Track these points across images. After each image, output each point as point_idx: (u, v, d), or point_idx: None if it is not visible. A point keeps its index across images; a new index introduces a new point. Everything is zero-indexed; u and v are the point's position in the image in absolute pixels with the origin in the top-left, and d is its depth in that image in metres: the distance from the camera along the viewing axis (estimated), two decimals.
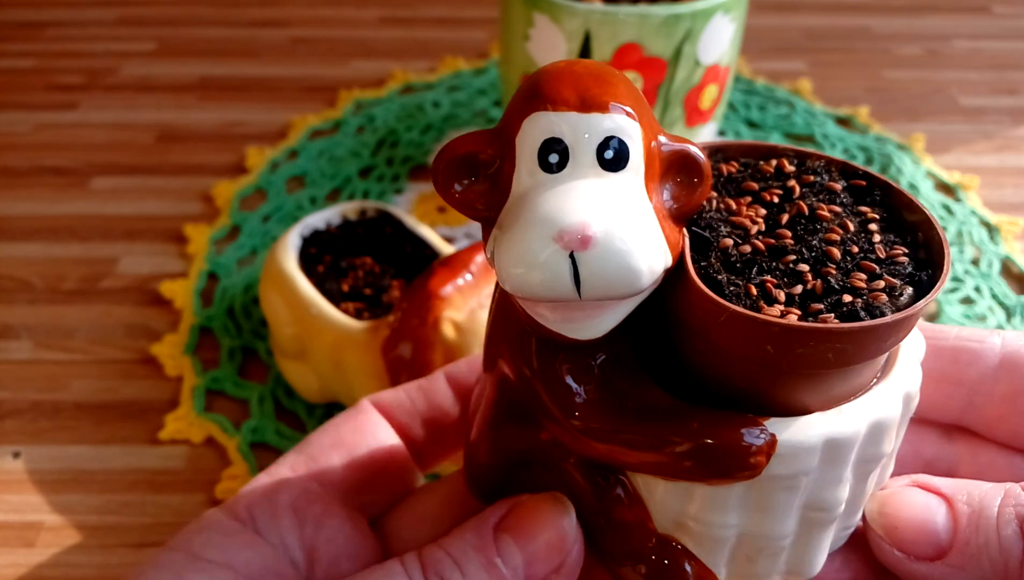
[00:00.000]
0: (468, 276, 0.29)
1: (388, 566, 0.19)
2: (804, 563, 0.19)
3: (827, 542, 0.19)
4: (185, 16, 0.63)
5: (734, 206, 0.18)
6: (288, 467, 0.21)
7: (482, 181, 0.17)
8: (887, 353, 0.17)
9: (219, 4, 0.64)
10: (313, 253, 0.36)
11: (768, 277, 0.16)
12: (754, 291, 0.16)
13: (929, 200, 0.46)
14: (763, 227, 0.17)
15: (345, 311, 0.33)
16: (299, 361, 0.34)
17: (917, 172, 0.48)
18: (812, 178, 0.18)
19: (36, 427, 0.35)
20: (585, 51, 0.36)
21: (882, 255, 0.17)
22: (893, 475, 0.20)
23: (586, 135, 0.16)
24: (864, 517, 0.20)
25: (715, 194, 0.18)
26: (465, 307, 0.29)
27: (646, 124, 0.16)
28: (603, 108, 0.16)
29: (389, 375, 0.30)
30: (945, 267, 0.16)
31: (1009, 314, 0.39)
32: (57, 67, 0.58)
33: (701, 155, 0.17)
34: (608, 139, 0.16)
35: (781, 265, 0.17)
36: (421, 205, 0.46)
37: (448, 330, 0.29)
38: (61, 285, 0.42)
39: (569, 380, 0.17)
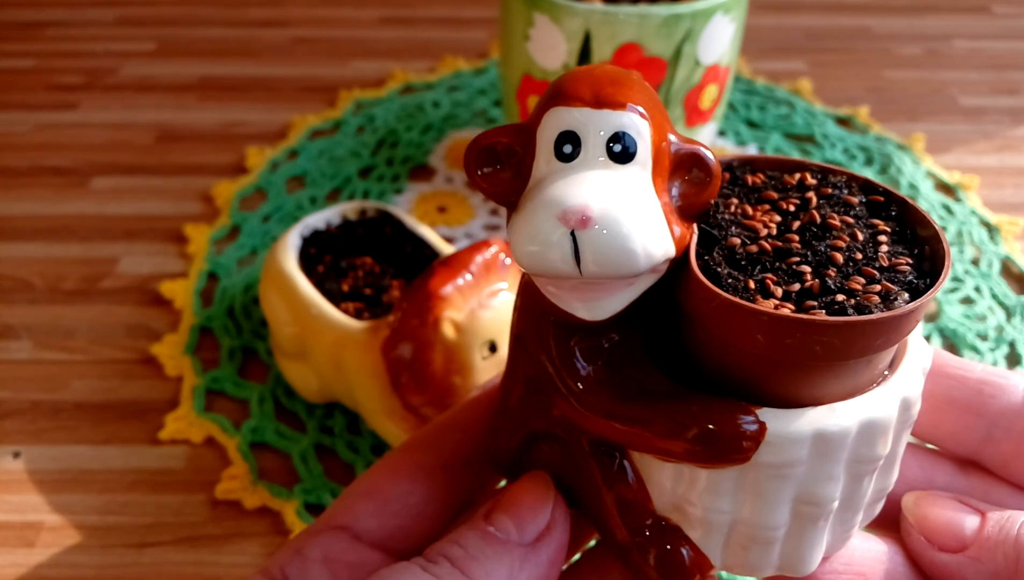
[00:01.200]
0: (468, 276, 0.29)
1: (398, 565, 0.19)
2: (798, 559, 0.19)
3: (821, 540, 0.19)
4: (185, 16, 0.63)
5: (750, 211, 0.19)
6: (323, 521, 0.22)
7: (507, 169, 0.18)
8: (880, 354, 0.18)
9: (219, 4, 0.64)
10: (313, 253, 0.36)
11: (769, 275, 0.17)
12: (752, 285, 0.17)
13: (929, 200, 0.46)
14: (774, 231, 0.18)
15: (345, 311, 0.33)
16: (299, 361, 0.34)
17: (917, 172, 0.48)
18: (830, 191, 0.19)
19: (36, 427, 0.35)
20: (585, 51, 0.36)
21: (885, 263, 0.18)
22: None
23: (599, 129, 0.17)
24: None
25: (736, 201, 0.19)
26: (465, 307, 0.29)
27: (657, 124, 0.18)
28: (615, 106, 0.17)
29: (389, 375, 0.30)
30: (943, 276, 0.17)
31: (1009, 314, 0.39)
32: (57, 67, 0.58)
33: (710, 155, 0.18)
34: (618, 134, 0.17)
35: (784, 265, 0.18)
36: (421, 205, 0.46)
37: (448, 330, 0.29)
38: (61, 285, 0.42)
39: (579, 359, 0.19)
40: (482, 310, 0.29)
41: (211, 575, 0.30)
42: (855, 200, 0.19)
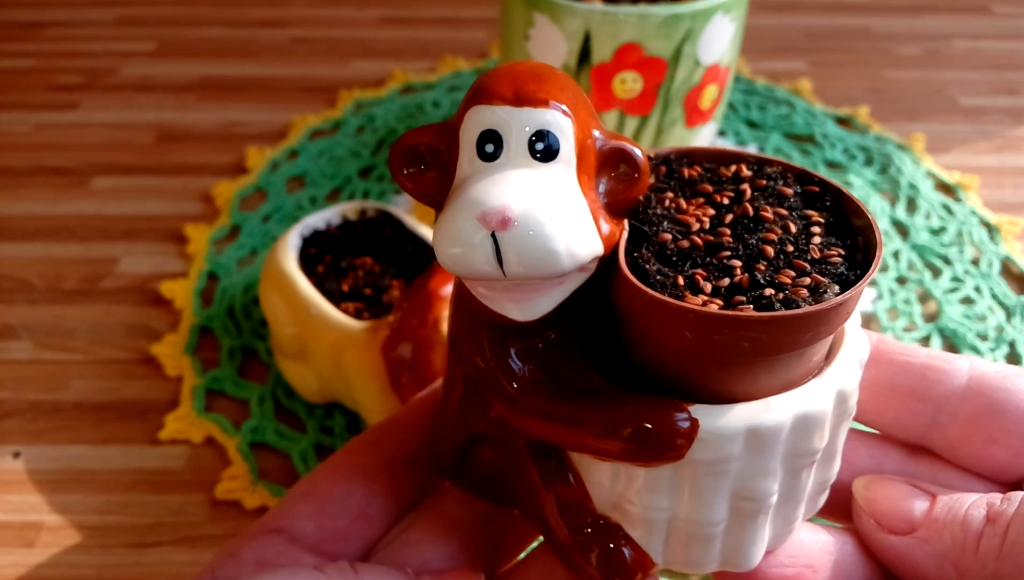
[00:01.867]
0: None
1: (292, 567, 0.19)
2: (739, 554, 0.19)
3: (762, 534, 0.19)
4: (185, 16, 0.63)
5: (684, 205, 0.19)
6: (261, 524, 0.21)
7: (432, 168, 0.18)
8: (813, 347, 0.18)
9: (219, 4, 0.64)
10: (313, 253, 0.36)
11: (699, 270, 0.17)
12: (682, 282, 0.17)
13: (929, 200, 0.46)
14: (707, 226, 0.18)
15: (345, 311, 0.33)
16: (299, 361, 0.34)
17: (917, 172, 0.48)
18: (765, 182, 0.19)
19: (36, 427, 0.35)
20: (585, 51, 0.36)
21: (816, 255, 0.18)
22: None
23: (520, 127, 0.17)
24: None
25: (671, 194, 0.19)
26: None
27: (581, 121, 0.17)
28: (536, 103, 0.17)
29: (389, 375, 0.30)
30: (873, 267, 0.17)
31: (1009, 314, 0.39)
32: (57, 67, 0.58)
33: (637, 151, 0.18)
34: (540, 132, 0.17)
35: (715, 260, 0.17)
36: (421, 205, 0.46)
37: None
38: (61, 285, 0.42)
39: (513, 360, 0.19)
40: None
41: None
42: (789, 191, 0.19)
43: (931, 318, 0.39)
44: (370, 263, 0.36)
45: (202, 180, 0.48)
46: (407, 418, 0.23)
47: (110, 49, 0.59)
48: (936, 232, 0.44)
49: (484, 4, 0.64)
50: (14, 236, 0.44)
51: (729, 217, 0.18)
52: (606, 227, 0.17)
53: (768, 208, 0.18)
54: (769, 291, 0.17)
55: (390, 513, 0.22)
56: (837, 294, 0.17)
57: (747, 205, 0.18)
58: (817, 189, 0.19)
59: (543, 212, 0.16)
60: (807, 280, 0.17)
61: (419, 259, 0.36)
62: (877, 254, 0.17)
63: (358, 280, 0.35)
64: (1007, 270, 0.42)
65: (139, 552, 0.31)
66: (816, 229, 0.18)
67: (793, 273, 0.17)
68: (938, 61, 0.58)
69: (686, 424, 0.17)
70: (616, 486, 0.19)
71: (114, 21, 0.63)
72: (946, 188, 0.47)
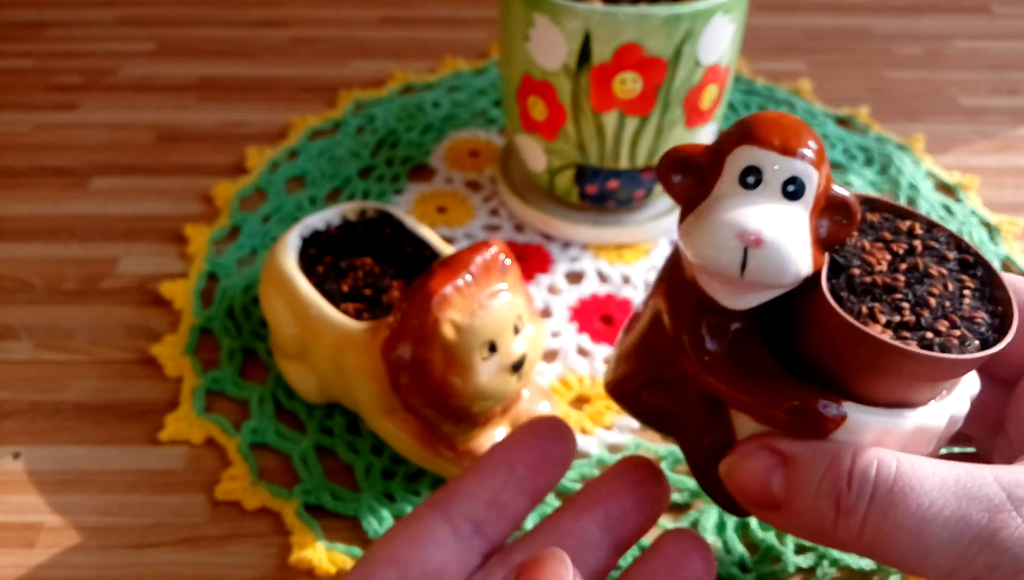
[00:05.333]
0: (468, 276, 0.29)
1: None
2: None
3: None
4: (185, 16, 0.63)
5: (868, 247, 0.23)
6: None
7: (690, 178, 0.23)
8: (947, 382, 0.22)
9: (219, 4, 0.64)
10: (313, 254, 0.36)
11: (877, 304, 0.22)
12: (864, 310, 0.22)
13: (929, 200, 0.46)
14: (885, 268, 0.23)
15: (345, 312, 0.33)
16: (299, 362, 0.34)
17: (917, 172, 0.48)
18: (934, 244, 0.24)
19: (36, 427, 0.35)
20: (585, 51, 0.36)
21: (966, 314, 0.22)
22: None
23: (780, 171, 0.22)
24: None
25: (856, 234, 0.24)
26: (465, 307, 0.29)
27: (823, 174, 0.22)
28: (795, 155, 0.22)
29: (389, 376, 0.30)
30: (1008, 335, 0.21)
31: None
32: (57, 67, 0.58)
33: (856, 205, 0.23)
34: (793, 177, 0.22)
35: (889, 299, 0.22)
36: (421, 205, 0.46)
37: (448, 331, 0.29)
38: (61, 285, 0.42)
39: (708, 333, 0.23)
40: (482, 311, 0.29)
41: (211, 576, 0.30)
42: (951, 255, 0.23)
43: None
44: (370, 263, 0.36)
45: (202, 180, 0.48)
46: (476, 482, 0.24)
47: (110, 49, 0.59)
48: None
49: (484, 4, 0.64)
50: (14, 236, 0.44)
51: (904, 265, 0.23)
52: (816, 255, 0.22)
53: (934, 266, 0.23)
54: (929, 334, 0.21)
55: (466, 570, 0.24)
56: (978, 348, 0.21)
57: (918, 260, 0.23)
58: (971, 258, 0.23)
59: (787, 240, 0.21)
60: (957, 332, 0.21)
61: (419, 259, 0.36)
62: (1013, 324, 0.22)
63: (358, 280, 0.35)
64: (1007, 270, 0.42)
65: (139, 553, 0.31)
66: (967, 292, 0.22)
67: (947, 324, 0.21)
68: (938, 61, 0.58)
69: (836, 413, 0.22)
70: None
71: (114, 21, 0.63)
72: (946, 188, 0.47)
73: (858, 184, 0.47)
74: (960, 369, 0.22)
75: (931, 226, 0.24)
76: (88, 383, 0.37)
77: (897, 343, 0.21)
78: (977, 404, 0.24)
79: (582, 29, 0.35)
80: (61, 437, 0.35)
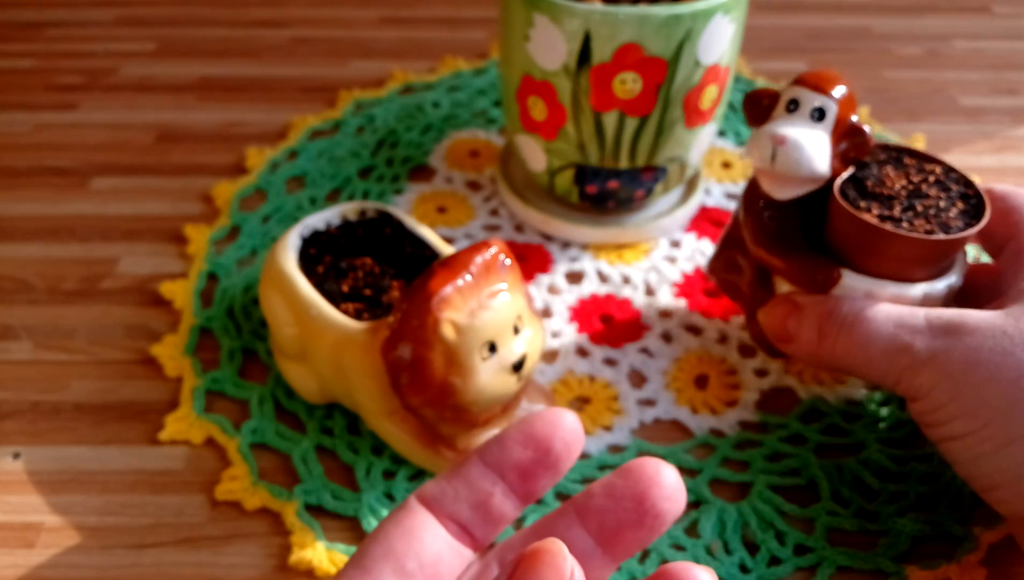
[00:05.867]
0: (468, 276, 0.29)
1: None
2: None
3: None
4: (185, 16, 0.63)
5: (891, 173, 0.32)
6: None
7: (761, 108, 0.34)
8: (938, 262, 0.30)
9: (219, 4, 0.64)
10: (313, 254, 0.36)
11: (876, 203, 0.31)
12: (863, 205, 0.31)
13: None
14: (895, 186, 0.31)
15: (345, 312, 0.33)
16: (299, 362, 0.34)
17: None
18: (944, 179, 0.32)
19: (36, 427, 0.35)
20: (585, 51, 0.36)
21: (945, 220, 0.30)
22: None
23: (810, 101, 0.32)
24: None
25: (890, 167, 0.32)
26: (465, 307, 0.29)
27: (844, 106, 0.32)
28: (821, 91, 0.32)
29: (389, 376, 0.30)
30: (979, 224, 0.29)
31: None
32: (57, 67, 0.58)
33: (867, 129, 0.32)
34: (818, 107, 0.32)
35: (888, 203, 0.31)
36: (421, 205, 0.46)
37: (448, 331, 0.29)
38: (61, 285, 0.42)
39: (763, 218, 0.33)
40: (482, 311, 0.29)
41: (211, 576, 0.30)
42: (955, 188, 0.31)
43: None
44: (370, 264, 0.36)
45: (202, 180, 0.48)
46: (468, 474, 0.24)
47: (110, 49, 0.59)
48: None
49: (484, 4, 0.64)
50: (14, 236, 0.44)
51: (911, 188, 0.31)
52: (835, 163, 0.32)
53: (934, 190, 0.31)
54: (905, 224, 0.30)
55: (462, 559, 0.24)
56: (958, 229, 0.29)
57: (922, 185, 0.31)
58: (972, 193, 0.31)
59: (804, 143, 0.31)
60: (928, 226, 0.30)
61: (419, 259, 0.36)
62: (986, 210, 0.30)
63: (358, 281, 0.35)
64: None
65: (139, 553, 0.31)
66: (954, 210, 0.30)
67: (923, 222, 0.30)
68: (938, 61, 0.58)
69: (833, 277, 0.31)
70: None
71: (114, 21, 0.63)
72: None
73: None
74: (918, 248, 0.29)
75: (951, 170, 0.32)
76: (88, 383, 0.37)
77: (875, 222, 0.29)
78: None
79: (582, 29, 0.35)
80: (61, 437, 0.35)
